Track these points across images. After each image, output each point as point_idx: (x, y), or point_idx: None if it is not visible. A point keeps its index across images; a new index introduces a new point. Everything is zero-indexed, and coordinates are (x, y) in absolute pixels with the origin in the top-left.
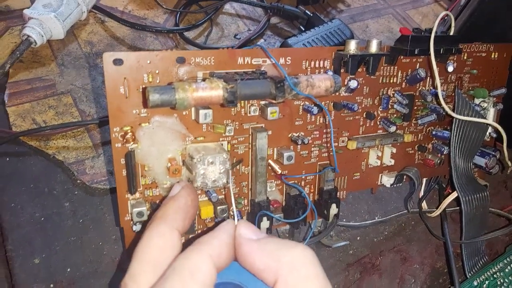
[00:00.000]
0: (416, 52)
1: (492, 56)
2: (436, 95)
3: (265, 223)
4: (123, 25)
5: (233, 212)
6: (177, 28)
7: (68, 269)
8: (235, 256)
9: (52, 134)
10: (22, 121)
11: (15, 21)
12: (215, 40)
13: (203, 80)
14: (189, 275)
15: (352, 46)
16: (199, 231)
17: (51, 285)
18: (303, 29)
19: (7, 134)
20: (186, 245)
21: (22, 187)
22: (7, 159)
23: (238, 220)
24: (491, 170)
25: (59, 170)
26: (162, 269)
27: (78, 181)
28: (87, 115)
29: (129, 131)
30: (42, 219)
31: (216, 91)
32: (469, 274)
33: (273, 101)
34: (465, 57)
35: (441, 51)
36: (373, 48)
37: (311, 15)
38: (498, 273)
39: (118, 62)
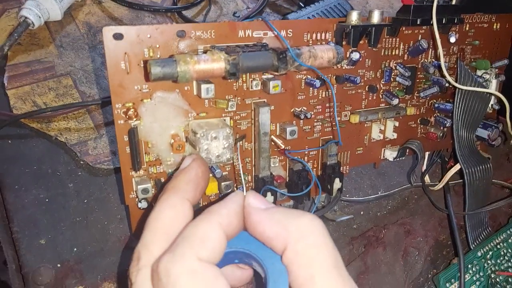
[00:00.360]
0: (418, 22)
1: (494, 27)
2: (438, 67)
3: (269, 198)
4: (120, 5)
5: (241, 182)
6: (175, 7)
7: (75, 249)
8: (244, 225)
9: (53, 116)
10: (23, 103)
11: (11, 4)
12: (214, 19)
13: (205, 52)
14: (199, 242)
15: (354, 17)
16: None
17: (58, 265)
18: (303, 5)
19: (8, 116)
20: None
21: (25, 169)
22: (9, 141)
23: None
24: (493, 142)
25: (62, 152)
26: (174, 238)
27: (81, 162)
28: (87, 97)
29: (131, 107)
30: (47, 200)
31: (218, 63)
32: (473, 245)
33: (276, 73)
34: (467, 28)
35: (443, 21)
36: (375, 18)
37: None
38: (501, 244)
39: (118, 36)
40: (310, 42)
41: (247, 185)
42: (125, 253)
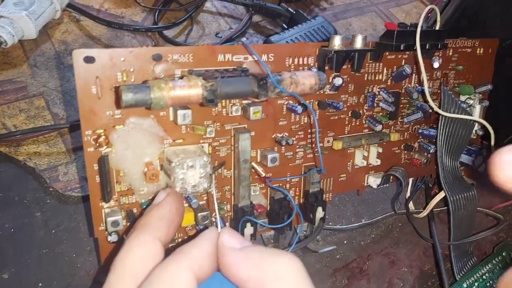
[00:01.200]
0: (402, 48)
1: (478, 51)
2: (422, 92)
3: (249, 229)
4: (99, 23)
5: (215, 219)
6: (156, 26)
7: (40, 284)
8: (218, 266)
9: (22, 140)
10: None
11: None
12: (196, 39)
13: (181, 78)
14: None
15: (337, 42)
16: (180, 239)
17: None
18: (286, 27)
19: None
20: (166, 254)
21: None
22: None
23: (221, 227)
24: (478, 169)
25: (30, 178)
26: (141, 281)
27: (51, 189)
28: (60, 119)
29: (102, 134)
30: (12, 230)
31: (194, 90)
32: (458, 276)
33: (256, 100)
34: (450, 53)
35: (427, 46)
36: (358, 43)
37: (294, 12)
38: (487, 274)
39: (89, 59)
40: (292, 66)
41: (225, 215)
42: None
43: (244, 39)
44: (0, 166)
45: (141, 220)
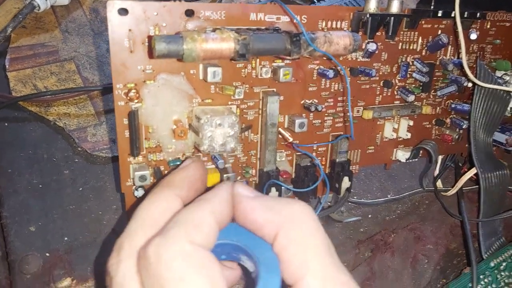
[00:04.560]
0: (439, 14)
1: None
2: (457, 65)
3: (273, 194)
4: None
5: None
6: None
7: (66, 238)
8: (233, 215)
9: (53, 100)
10: (23, 86)
11: None
12: (229, 0)
13: (214, 31)
14: (193, 227)
15: (372, 5)
16: None
17: (47, 254)
18: (316, 0)
19: (7, 98)
20: None
21: (20, 153)
22: (6, 124)
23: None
24: (511, 148)
25: (59, 137)
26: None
27: (79, 149)
28: (90, 83)
29: (133, 88)
30: (40, 186)
31: (227, 43)
32: (486, 255)
33: (288, 57)
34: (488, 26)
35: (465, 14)
36: (394, 8)
37: None
38: None
39: (123, 12)
40: (325, 30)
41: (250, 179)
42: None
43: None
44: (30, 125)
45: (165, 178)
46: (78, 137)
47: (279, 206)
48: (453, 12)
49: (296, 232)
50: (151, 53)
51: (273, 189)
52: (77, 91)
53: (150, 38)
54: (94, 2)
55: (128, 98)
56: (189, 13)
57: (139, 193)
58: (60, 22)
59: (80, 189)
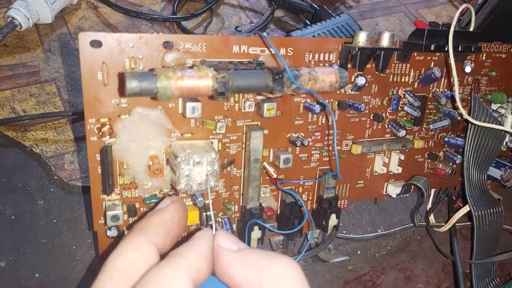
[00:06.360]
0: (432, 48)
1: None
2: (451, 98)
3: (256, 233)
4: (116, 11)
5: (222, 219)
6: (174, 16)
7: (37, 275)
8: (213, 269)
9: (30, 125)
10: (1, 109)
11: (0, 2)
12: (215, 32)
13: (191, 67)
14: None
15: (362, 38)
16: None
17: None
18: (309, 23)
19: None
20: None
21: None
22: None
23: (216, 229)
24: (506, 183)
25: (36, 164)
26: (132, 286)
27: (55, 177)
28: (71, 106)
29: (106, 123)
30: (13, 217)
31: (204, 81)
32: None
33: (270, 96)
34: (483, 58)
35: (460, 48)
36: (385, 41)
37: (318, 8)
38: None
39: (95, 44)
40: (312, 63)
41: (232, 216)
42: (88, 277)
43: (264, 34)
44: (6, 151)
45: (139, 223)
46: (55, 165)
47: (262, 264)
48: (446, 46)
49: None
50: (122, 91)
51: (256, 228)
52: (55, 115)
53: (120, 75)
54: (80, 20)
55: (101, 133)
56: (168, 45)
57: (112, 232)
58: (43, 41)
59: (54, 221)
